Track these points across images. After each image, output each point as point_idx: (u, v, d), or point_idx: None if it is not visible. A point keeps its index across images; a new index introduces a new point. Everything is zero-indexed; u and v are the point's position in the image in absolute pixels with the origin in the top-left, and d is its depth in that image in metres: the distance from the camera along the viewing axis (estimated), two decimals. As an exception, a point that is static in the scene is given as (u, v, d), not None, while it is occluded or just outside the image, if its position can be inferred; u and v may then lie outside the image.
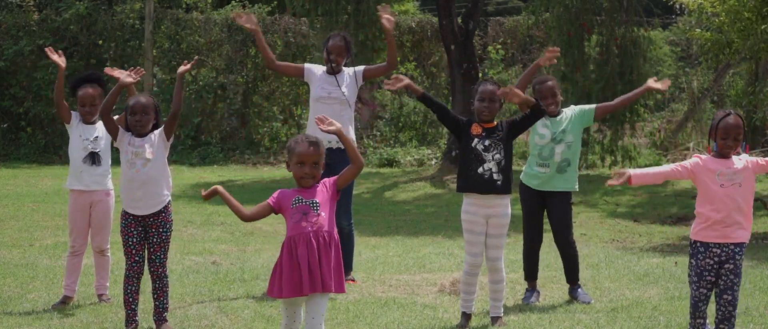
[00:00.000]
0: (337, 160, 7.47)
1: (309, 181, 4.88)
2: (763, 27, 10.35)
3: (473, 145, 6.08)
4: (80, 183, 6.84)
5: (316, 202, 4.86)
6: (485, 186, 6.06)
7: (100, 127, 6.82)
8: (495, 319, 6.20)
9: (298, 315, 4.97)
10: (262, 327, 6.12)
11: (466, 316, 6.19)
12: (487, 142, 6.07)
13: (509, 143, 6.17)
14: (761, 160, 5.43)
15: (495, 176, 6.06)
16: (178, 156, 18.85)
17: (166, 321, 6.06)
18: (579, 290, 7.02)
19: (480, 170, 6.05)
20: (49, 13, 19.76)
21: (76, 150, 6.84)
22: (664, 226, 11.42)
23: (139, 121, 6.02)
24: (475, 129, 6.11)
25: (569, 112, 7.04)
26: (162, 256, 6.05)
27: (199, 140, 19.71)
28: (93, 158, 6.84)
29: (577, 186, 7.08)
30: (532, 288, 7.08)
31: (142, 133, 6.03)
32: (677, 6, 12.51)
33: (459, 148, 6.23)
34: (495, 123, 6.19)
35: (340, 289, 4.90)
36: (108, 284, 6.99)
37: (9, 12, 19.81)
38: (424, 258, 8.75)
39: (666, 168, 5.50)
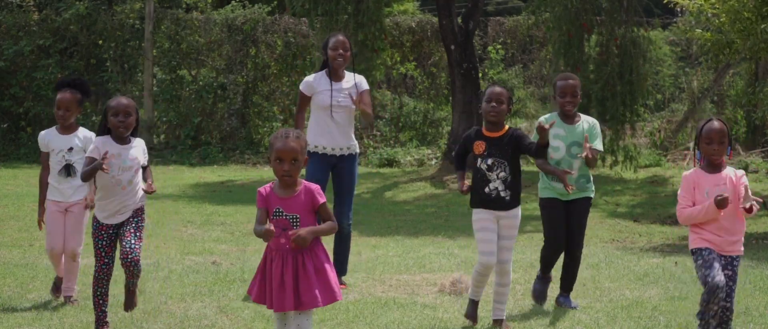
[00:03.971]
0: (344, 167, 7.53)
1: (287, 180, 4.73)
2: (762, 26, 10.34)
3: (478, 164, 6.02)
4: (58, 194, 6.82)
5: (297, 217, 4.72)
6: (494, 204, 6.00)
7: (76, 138, 6.77)
8: (497, 322, 6.14)
9: (289, 318, 4.89)
10: (262, 327, 6.12)
11: (474, 303, 6.13)
12: (489, 161, 5.98)
13: (515, 158, 6.03)
14: (744, 192, 5.19)
15: (502, 193, 5.99)
16: (178, 156, 18.85)
17: (136, 287, 5.95)
18: (568, 298, 6.82)
19: (486, 189, 5.99)
20: (49, 13, 19.77)
21: (52, 162, 6.80)
22: (664, 226, 11.41)
23: (122, 122, 5.76)
24: (478, 147, 5.99)
25: (584, 124, 6.75)
26: (138, 236, 5.83)
27: (199, 140, 19.71)
28: (68, 170, 6.79)
29: (593, 193, 6.90)
30: (544, 278, 6.86)
31: (123, 136, 5.80)
32: (678, 8, 12.51)
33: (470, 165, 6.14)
34: (503, 131, 6.04)
35: (329, 300, 4.74)
36: (76, 287, 6.95)
37: (9, 12, 19.82)
38: (424, 258, 8.75)
39: (697, 209, 5.27)
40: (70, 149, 6.79)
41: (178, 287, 7.28)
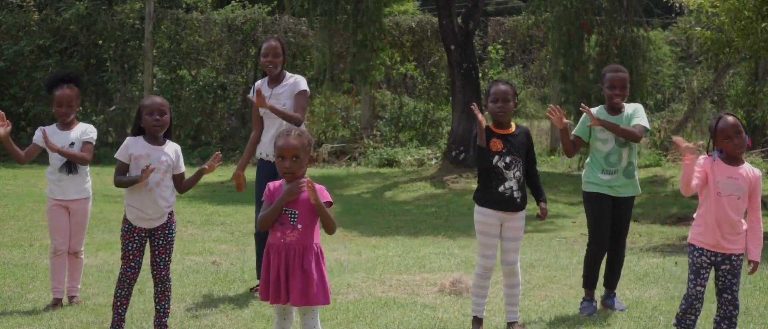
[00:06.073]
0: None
1: (289, 177, 4.80)
2: (763, 25, 10.35)
3: (495, 162, 5.89)
4: (59, 192, 6.78)
5: (295, 213, 4.78)
6: (505, 205, 5.90)
7: (75, 132, 6.74)
8: (511, 325, 6.06)
9: (289, 313, 4.94)
10: (261, 327, 6.12)
11: (478, 321, 6.03)
12: (508, 159, 5.89)
13: (525, 158, 6.01)
14: (755, 200, 5.33)
15: (515, 194, 5.90)
16: (178, 156, 18.88)
17: (167, 326, 5.91)
18: (615, 299, 6.73)
19: (501, 188, 5.89)
20: (49, 13, 19.77)
21: (53, 158, 6.75)
22: (664, 226, 11.41)
23: (158, 121, 5.69)
24: (495, 145, 5.87)
25: (628, 110, 6.69)
26: (167, 259, 5.82)
27: (199, 140, 19.72)
28: (69, 167, 6.73)
29: (640, 190, 6.84)
30: (589, 298, 6.66)
31: (158, 136, 5.74)
32: (677, 5, 12.50)
33: (479, 163, 5.99)
34: (512, 128, 6.01)
35: (318, 302, 4.77)
36: (79, 286, 6.93)
37: (9, 12, 19.82)
38: (424, 258, 8.75)
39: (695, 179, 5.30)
40: (71, 145, 6.77)
41: (178, 287, 7.28)
